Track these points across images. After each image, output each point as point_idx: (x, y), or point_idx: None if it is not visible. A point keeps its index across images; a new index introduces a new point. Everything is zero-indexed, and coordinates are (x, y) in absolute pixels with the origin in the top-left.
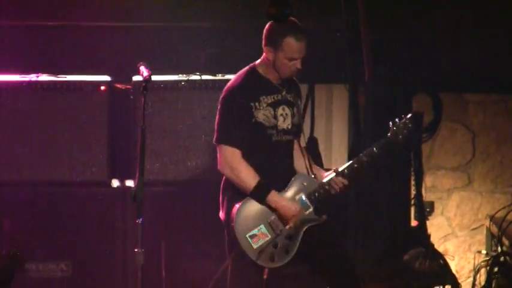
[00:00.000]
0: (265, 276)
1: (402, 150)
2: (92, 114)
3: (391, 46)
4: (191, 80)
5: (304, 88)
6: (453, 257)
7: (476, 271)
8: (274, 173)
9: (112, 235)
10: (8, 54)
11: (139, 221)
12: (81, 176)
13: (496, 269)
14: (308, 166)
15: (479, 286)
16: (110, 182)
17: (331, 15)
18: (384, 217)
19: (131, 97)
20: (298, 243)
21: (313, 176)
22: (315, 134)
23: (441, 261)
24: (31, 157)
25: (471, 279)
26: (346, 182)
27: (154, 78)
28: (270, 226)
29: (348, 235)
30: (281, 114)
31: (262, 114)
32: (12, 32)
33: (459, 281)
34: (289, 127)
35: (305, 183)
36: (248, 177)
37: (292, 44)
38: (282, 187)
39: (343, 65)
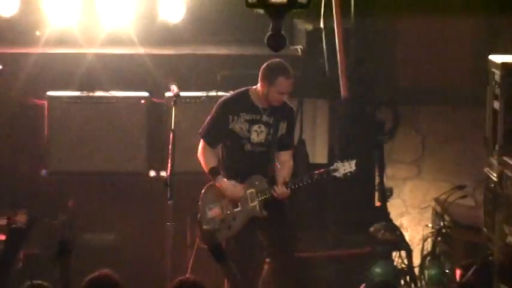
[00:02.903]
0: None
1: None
2: (134, 121)
3: (361, 70)
4: (210, 95)
5: (295, 102)
6: (407, 229)
7: (424, 240)
8: (240, 171)
9: (150, 213)
10: (71, 75)
11: (170, 202)
12: (126, 167)
13: (439, 239)
14: (276, 175)
15: (426, 251)
16: (148, 172)
17: (315, 46)
18: (354, 199)
19: (164, 108)
20: (239, 226)
21: (267, 181)
22: (303, 137)
23: (398, 233)
24: (89, 153)
25: (420, 246)
26: (287, 191)
27: (182, 94)
28: (222, 207)
29: (328, 214)
30: (255, 130)
31: (238, 127)
32: (72, 58)
33: (411, 247)
34: (262, 141)
35: (257, 183)
36: (207, 163)
37: (283, 82)
38: (241, 181)
39: (325, 85)
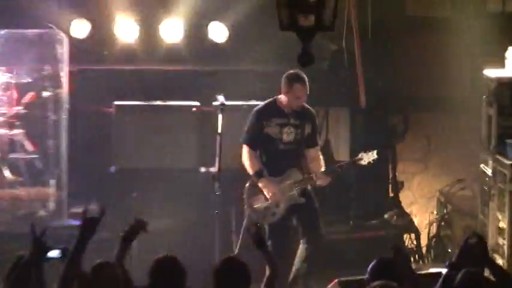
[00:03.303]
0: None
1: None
2: (187, 125)
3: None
4: (250, 104)
5: (321, 110)
6: (416, 216)
7: (430, 225)
8: (278, 167)
9: (201, 202)
10: (134, 87)
11: (218, 193)
12: (180, 164)
13: (442, 223)
14: (310, 167)
15: (432, 234)
16: (199, 168)
17: (339, 63)
18: (371, 191)
19: (212, 115)
20: (282, 212)
21: (301, 173)
22: (329, 138)
23: (408, 219)
24: (149, 152)
25: (427, 230)
26: (329, 178)
27: (227, 103)
28: (265, 197)
29: (349, 203)
30: (285, 132)
31: (272, 130)
32: (134, 72)
33: (419, 231)
34: (292, 140)
35: (293, 175)
36: (252, 167)
37: (298, 88)
38: (280, 175)
39: (346, 95)
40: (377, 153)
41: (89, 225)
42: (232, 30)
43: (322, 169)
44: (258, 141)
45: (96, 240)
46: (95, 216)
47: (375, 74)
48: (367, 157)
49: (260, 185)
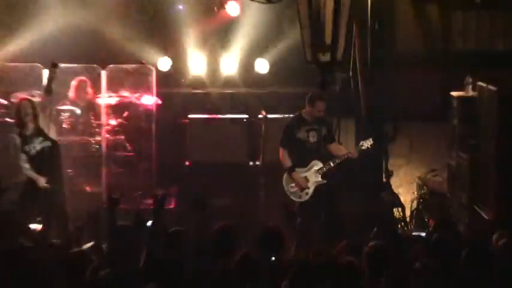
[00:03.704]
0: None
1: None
2: (240, 132)
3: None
4: (284, 116)
5: (335, 119)
6: (402, 195)
7: (412, 201)
8: (305, 160)
9: (250, 187)
10: (203, 104)
11: (263, 181)
12: (235, 159)
13: (421, 200)
14: (337, 153)
15: (413, 208)
16: (248, 162)
17: (347, 86)
18: (370, 178)
19: (257, 124)
20: (311, 192)
21: (322, 163)
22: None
23: (397, 197)
24: (214, 152)
25: (410, 205)
26: (356, 153)
27: (269, 116)
28: (299, 183)
29: (355, 187)
30: (311, 135)
31: (301, 135)
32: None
33: (405, 206)
34: (315, 141)
35: (317, 165)
36: (286, 164)
37: (319, 104)
38: (307, 166)
39: (353, 108)
40: (372, 140)
41: (159, 203)
42: (271, 64)
43: (344, 151)
44: (291, 144)
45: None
46: (161, 198)
47: (373, 94)
48: (366, 143)
49: (292, 176)
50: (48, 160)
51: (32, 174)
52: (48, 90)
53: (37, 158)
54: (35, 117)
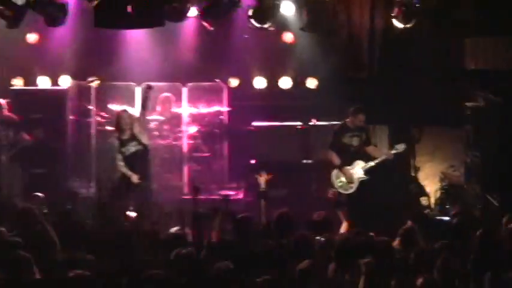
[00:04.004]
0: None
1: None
2: (293, 137)
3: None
4: (332, 123)
5: (372, 126)
6: (427, 187)
7: (436, 192)
8: (350, 160)
9: (303, 180)
10: (265, 115)
11: (314, 175)
12: (292, 158)
13: (443, 191)
14: (374, 154)
15: (436, 197)
16: (302, 161)
17: None
18: (402, 173)
19: (309, 130)
20: (356, 184)
21: (363, 161)
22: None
23: (423, 188)
24: (279, 151)
25: (433, 194)
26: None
27: (318, 123)
28: (346, 177)
29: (390, 179)
30: (354, 140)
31: (346, 140)
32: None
33: (430, 195)
34: (357, 145)
35: (359, 163)
36: (335, 162)
37: (360, 116)
38: (351, 164)
39: (386, 115)
40: (404, 144)
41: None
42: (319, 80)
43: (381, 153)
44: (337, 146)
45: None
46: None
47: (402, 103)
48: (400, 147)
49: (343, 171)
50: (140, 161)
51: (127, 171)
52: (144, 106)
53: (131, 158)
54: (131, 125)
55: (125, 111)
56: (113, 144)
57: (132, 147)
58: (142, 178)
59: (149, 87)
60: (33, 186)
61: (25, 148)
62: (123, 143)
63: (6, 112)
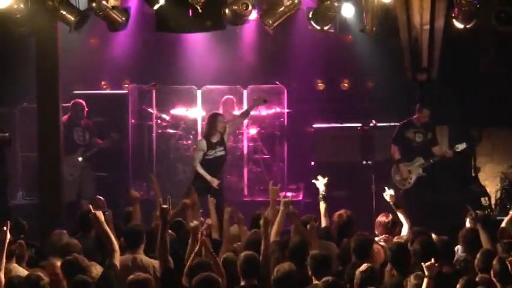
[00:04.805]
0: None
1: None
2: (353, 138)
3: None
4: (391, 124)
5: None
6: (487, 186)
7: (496, 192)
8: (411, 155)
9: (363, 180)
10: (325, 118)
11: (373, 175)
12: (350, 159)
13: (503, 190)
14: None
15: (497, 197)
16: (362, 162)
17: None
18: (463, 172)
19: (370, 131)
20: (414, 181)
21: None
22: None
23: (484, 188)
24: (334, 152)
25: (494, 194)
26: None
27: (378, 124)
28: (403, 174)
29: (452, 179)
30: (417, 136)
31: (409, 135)
32: None
33: (490, 195)
34: (421, 141)
35: (419, 160)
36: (396, 157)
37: (424, 112)
38: (412, 160)
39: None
40: (466, 143)
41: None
42: (379, 83)
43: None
44: (400, 142)
45: None
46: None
47: (462, 104)
48: (461, 146)
49: (399, 167)
50: (220, 166)
51: (206, 175)
52: (247, 114)
53: (214, 162)
54: (224, 129)
55: (221, 114)
56: (201, 145)
57: (218, 152)
58: (219, 184)
59: (265, 101)
60: (97, 188)
61: (101, 151)
62: (211, 146)
63: (85, 115)
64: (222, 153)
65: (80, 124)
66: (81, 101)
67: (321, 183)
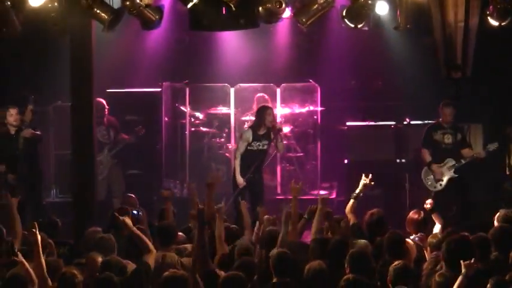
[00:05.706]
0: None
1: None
2: (387, 136)
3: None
4: (424, 122)
5: (466, 125)
6: None
7: None
8: (441, 157)
9: (398, 181)
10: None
11: (407, 174)
12: (384, 158)
13: None
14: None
15: None
16: (396, 160)
17: None
18: (496, 169)
19: (402, 129)
20: (446, 182)
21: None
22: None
23: None
24: (368, 151)
25: None
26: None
27: (412, 122)
28: (435, 174)
29: (483, 180)
30: (446, 137)
31: (437, 137)
32: None
33: None
34: (450, 143)
35: (450, 162)
36: (426, 159)
37: (446, 109)
38: (442, 162)
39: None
40: (497, 144)
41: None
42: (413, 81)
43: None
44: (429, 144)
45: None
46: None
47: (496, 102)
48: (492, 146)
49: (431, 168)
50: (261, 160)
51: (238, 172)
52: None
53: (255, 154)
54: (274, 123)
55: (270, 107)
56: (246, 135)
57: (262, 146)
58: (258, 178)
59: (279, 130)
60: (130, 187)
61: (127, 147)
62: (256, 137)
63: (107, 112)
64: (266, 147)
65: (103, 122)
66: (101, 99)
67: (362, 182)
